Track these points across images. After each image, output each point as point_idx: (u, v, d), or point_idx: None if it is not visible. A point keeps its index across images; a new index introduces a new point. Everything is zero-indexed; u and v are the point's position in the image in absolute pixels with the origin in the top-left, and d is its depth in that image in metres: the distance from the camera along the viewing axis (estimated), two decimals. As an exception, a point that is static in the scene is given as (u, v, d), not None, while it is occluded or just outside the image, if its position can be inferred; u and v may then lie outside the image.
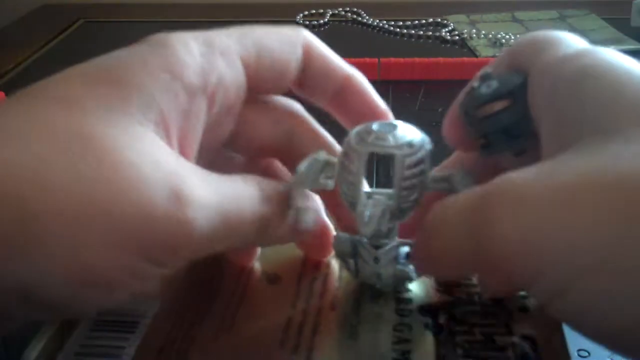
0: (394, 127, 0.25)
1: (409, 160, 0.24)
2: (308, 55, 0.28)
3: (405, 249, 0.27)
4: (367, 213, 0.24)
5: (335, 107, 0.30)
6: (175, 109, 0.23)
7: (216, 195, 0.23)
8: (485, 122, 0.24)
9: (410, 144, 0.24)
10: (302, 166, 0.26)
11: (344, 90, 0.29)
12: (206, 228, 0.22)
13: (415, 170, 0.24)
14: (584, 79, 0.21)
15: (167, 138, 0.23)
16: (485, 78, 0.24)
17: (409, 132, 0.25)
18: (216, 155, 0.28)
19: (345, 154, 0.25)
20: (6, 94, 0.54)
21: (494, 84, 0.24)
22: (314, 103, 0.30)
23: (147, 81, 0.23)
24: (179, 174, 0.22)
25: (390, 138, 0.24)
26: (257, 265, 0.31)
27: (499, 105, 0.24)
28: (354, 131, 0.25)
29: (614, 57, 0.22)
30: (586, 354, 0.25)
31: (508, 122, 0.24)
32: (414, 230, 0.28)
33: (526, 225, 0.19)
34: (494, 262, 0.20)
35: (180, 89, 0.24)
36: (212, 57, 0.25)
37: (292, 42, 0.28)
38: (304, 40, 0.28)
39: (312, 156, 0.26)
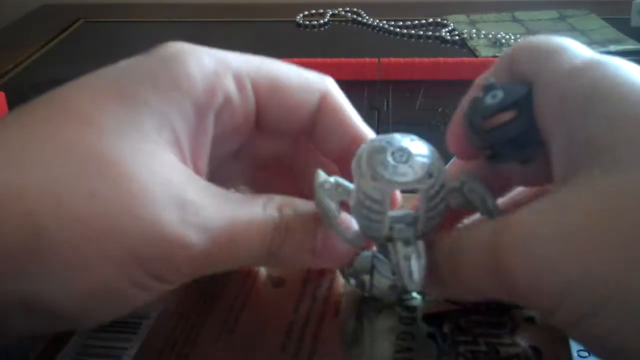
0: (409, 154, 0.24)
1: (431, 192, 0.24)
2: (324, 106, 0.27)
3: None
4: (414, 268, 0.24)
5: (342, 165, 0.29)
6: (186, 126, 0.24)
7: (226, 218, 0.23)
8: (492, 134, 0.24)
9: (430, 173, 0.24)
10: (324, 199, 0.25)
11: (354, 151, 0.28)
12: (211, 249, 0.22)
13: (437, 198, 0.24)
14: (593, 95, 0.21)
15: (181, 156, 0.23)
16: (489, 88, 0.24)
17: (423, 155, 0.24)
18: (221, 164, 0.28)
19: (365, 194, 0.24)
20: (6, 94, 0.54)
21: (499, 94, 0.23)
22: (323, 155, 0.29)
23: (158, 99, 0.23)
24: (189, 195, 0.22)
25: (410, 172, 0.23)
26: (262, 268, 0.31)
27: (505, 117, 0.23)
28: (364, 162, 0.24)
29: (623, 70, 0.21)
30: (586, 354, 0.25)
31: (515, 133, 0.23)
32: None
33: (540, 262, 0.20)
34: (516, 296, 0.21)
35: (189, 107, 0.24)
36: (223, 75, 0.25)
37: (310, 87, 0.27)
38: (324, 89, 0.27)
39: (322, 181, 0.25)
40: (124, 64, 0.24)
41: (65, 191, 0.20)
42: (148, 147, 0.22)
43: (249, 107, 0.26)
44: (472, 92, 0.26)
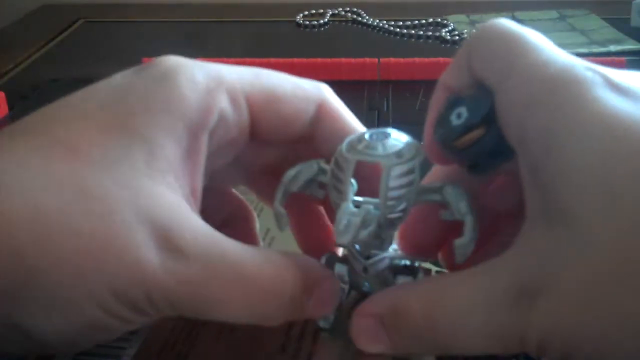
0: (387, 135, 0.24)
1: (397, 170, 0.24)
2: (321, 114, 0.27)
3: (399, 262, 0.27)
4: (343, 222, 0.24)
5: None
6: (180, 150, 0.23)
7: (208, 266, 0.22)
8: (466, 152, 0.24)
9: (399, 154, 0.24)
10: (292, 170, 0.26)
11: None
12: (185, 296, 0.22)
13: (402, 180, 0.24)
14: (551, 135, 0.20)
15: (176, 182, 0.23)
16: (453, 104, 0.24)
17: (401, 142, 0.24)
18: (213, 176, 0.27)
19: (335, 161, 0.25)
20: (6, 94, 0.54)
21: (464, 112, 0.23)
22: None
23: (150, 127, 0.23)
24: (174, 237, 0.22)
25: (380, 147, 0.24)
26: None
27: (474, 135, 0.23)
28: (347, 139, 0.25)
29: (586, 98, 0.20)
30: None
31: (488, 148, 0.23)
32: (414, 242, 0.28)
33: (557, 320, 0.20)
34: (525, 350, 0.21)
35: (182, 130, 0.23)
36: (217, 92, 0.24)
37: (307, 96, 0.27)
38: (321, 97, 0.27)
39: (305, 162, 0.26)
40: (115, 83, 0.24)
41: (53, 228, 0.20)
42: (137, 181, 0.22)
43: (243, 122, 0.26)
44: (437, 98, 0.25)
